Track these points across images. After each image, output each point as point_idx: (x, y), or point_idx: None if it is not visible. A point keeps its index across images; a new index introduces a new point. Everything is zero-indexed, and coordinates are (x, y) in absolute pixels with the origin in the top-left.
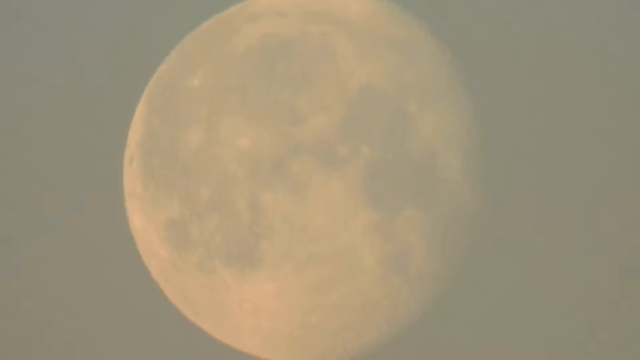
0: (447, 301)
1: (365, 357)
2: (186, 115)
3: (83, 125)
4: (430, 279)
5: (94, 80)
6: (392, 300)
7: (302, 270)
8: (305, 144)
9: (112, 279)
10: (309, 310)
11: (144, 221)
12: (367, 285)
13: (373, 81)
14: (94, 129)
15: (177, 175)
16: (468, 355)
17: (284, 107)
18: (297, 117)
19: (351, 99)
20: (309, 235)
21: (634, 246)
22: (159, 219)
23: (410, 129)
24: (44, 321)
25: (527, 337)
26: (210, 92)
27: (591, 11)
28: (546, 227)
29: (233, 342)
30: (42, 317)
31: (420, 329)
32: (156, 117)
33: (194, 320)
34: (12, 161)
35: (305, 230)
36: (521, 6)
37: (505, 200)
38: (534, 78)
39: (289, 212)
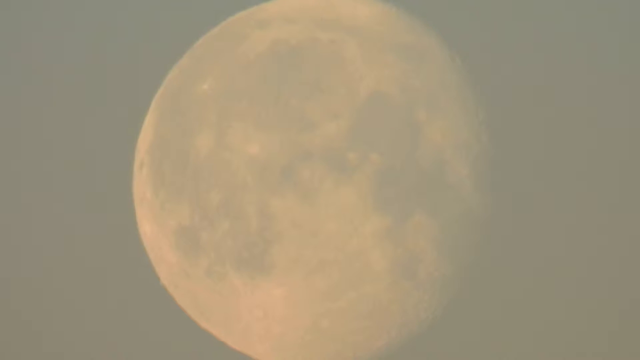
0: (456, 306)
1: None
2: (196, 121)
3: (93, 132)
4: (440, 284)
5: (104, 87)
6: (402, 305)
7: (311, 275)
8: (314, 150)
9: (122, 284)
10: (319, 315)
11: (154, 227)
12: (376, 290)
13: (382, 88)
14: (104, 136)
15: (187, 181)
16: None
17: (293, 113)
18: (306, 124)
19: (360, 105)
20: (318, 240)
21: None
22: (169, 224)
23: (419, 135)
24: (54, 325)
25: (537, 342)
26: (220, 98)
27: (602, 21)
28: (555, 233)
29: (243, 347)
30: (52, 321)
31: (430, 333)
32: (166, 123)
33: (203, 325)
34: (20, 169)
35: (314, 235)
36: (530, 14)
37: (514, 206)
38: (543, 85)
39: (298, 217)
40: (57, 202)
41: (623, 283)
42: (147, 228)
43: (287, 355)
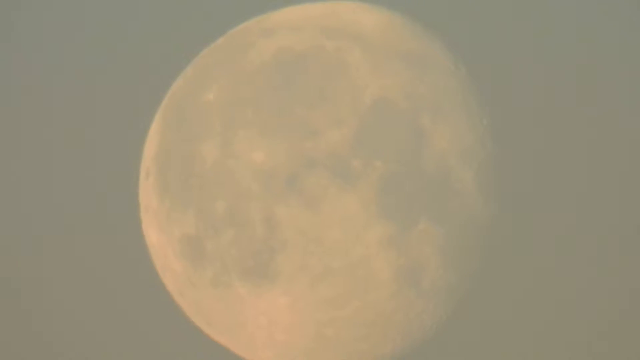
0: (460, 314)
1: None
2: (201, 129)
3: (99, 140)
4: (444, 291)
5: (108, 96)
6: (406, 313)
7: (316, 283)
8: (319, 157)
9: (128, 293)
10: (323, 323)
11: (160, 236)
12: (381, 298)
13: (387, 95)
14: (109, 144)
15: (193, 190)
16: None
17: (298, 121)
18: (311, 131)
19: (365, 112)
20: (323, 248)
21: None
22: (175, 233)
23: (424, 142)
24: (60, 333)
25: (543, 350)
26: (225, 107)
27: (609, 27)
28: (561, 239)
29: (248, 355)
30: (58, 329)
31: (434, 341)
32: (171, 131)
33: (208, 333)
34: (24, 177)
35: (319, 243)
36: (535, 21)
37: (519, 213)
38: (547, 91)
39: (303, 225)
40: (61, 209)
41: (632, 289)
42: (153, 236)
43: None
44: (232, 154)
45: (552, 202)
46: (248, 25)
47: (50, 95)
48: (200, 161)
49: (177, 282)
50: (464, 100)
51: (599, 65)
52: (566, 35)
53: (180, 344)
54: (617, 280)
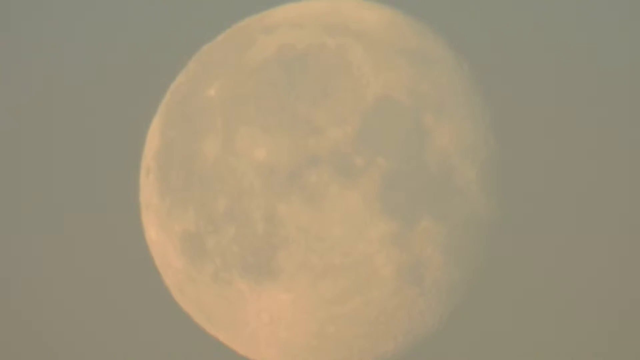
0: (462, 312)
1: None
2: (202, 126)
3: (99, 137)
4: (446, 289)
5: (109, 93)
6: (408, 311)
7: (318, 280)
8: (321, 154)
9: (128, 290)
10: (325, 320)
11: (160, 233)
12: (383, 295)
13: (389, 92)
14: (110, 141)
15: (193, 187)
16: None
17: (300, 118)
18: (313, 128)
19: (367, 110)
20: (325, 246)
21: None
22: (175, 230)
23: (427, 140)
24: (60, 331)
25: (545, 349)
26: (226, 103)
27: (615, 27)
28: (564, 238)
29: (249, 352)
30: (58, 327)
31: (436, 339)
32: (172, 128)
33: (209, 331)
34: (23, 175)
35: (321, 241)
36: (539, 19)
37: (522, 211)
38: (551, 89)
39: (305, 222)
40: (61, 206)
41: (634, 289)
42: (153, 233)
43: None
44: (233, 151)
45: (556, 200)
46: (249, 22)
47: (50, 93)
48: (201, 158)
49: (178, 279)
50: (467, 98)
51: (603, 63)
52: (571, 33)
53: (180, 341)
54: (620, 280)
